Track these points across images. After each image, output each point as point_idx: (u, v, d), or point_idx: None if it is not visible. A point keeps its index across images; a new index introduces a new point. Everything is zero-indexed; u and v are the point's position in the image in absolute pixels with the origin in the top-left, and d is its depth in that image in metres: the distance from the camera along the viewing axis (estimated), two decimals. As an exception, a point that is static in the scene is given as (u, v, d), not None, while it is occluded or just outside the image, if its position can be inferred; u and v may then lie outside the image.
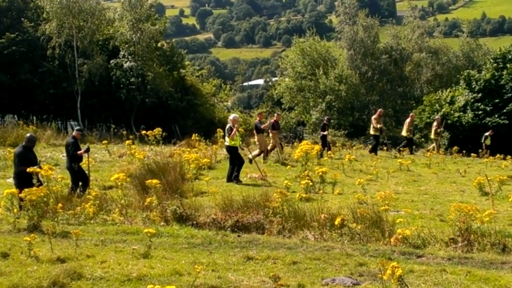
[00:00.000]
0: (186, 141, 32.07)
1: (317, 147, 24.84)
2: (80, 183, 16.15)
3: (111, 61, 44.54)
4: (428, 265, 9.80)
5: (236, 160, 20.29)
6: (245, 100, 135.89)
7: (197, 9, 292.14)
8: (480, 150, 32.06)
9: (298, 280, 8.90)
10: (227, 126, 20.65)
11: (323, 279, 9.00)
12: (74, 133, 17.69)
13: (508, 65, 41.13)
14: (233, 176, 19.95)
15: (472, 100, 41.23)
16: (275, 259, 10.08)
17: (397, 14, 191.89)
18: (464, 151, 32.45)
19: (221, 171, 22.05)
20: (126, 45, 44.83)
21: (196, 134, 31.31)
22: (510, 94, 39.77)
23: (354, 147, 36.04)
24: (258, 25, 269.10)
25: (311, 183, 17.66)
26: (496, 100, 40.08)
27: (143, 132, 30.27)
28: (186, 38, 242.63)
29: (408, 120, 32.74)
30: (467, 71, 45.29)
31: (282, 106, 58.99)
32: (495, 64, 42.44)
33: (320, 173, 18.29)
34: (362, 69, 57.05)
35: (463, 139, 36.83)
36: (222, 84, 60.82)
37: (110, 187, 18.02)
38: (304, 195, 16.32)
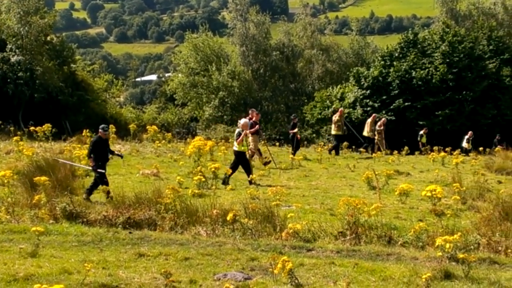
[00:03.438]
0: (77, 137, 31.32)
1: (210, 143, 24.87)
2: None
3: (-3, 55, 43.03)
4: (318, 258, 9.99)
5: (243, 165, 19.83)
6: (138, 96, 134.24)
7: (88, 2, 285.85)
8: (423, 148, 32.56)
9: (190, 276, 8.89)
10: (236, 131, 20.16)
11: (215, 275, 9.02)
12: None
13: (395, 63, 42.48)
14: (249, 180, 18.97)
15: (361, 96, 42.36)
16: (167, 255, 10.02)
17: (289, 11, 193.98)
18: (353, 146, 33.24)
19: (113, 167, 21.67)
20: (14, 39, 43.33)
21: (88, 130, 30.68)
22: (397, 91, 41.12)
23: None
24: (151, 20, 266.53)
25: (203, 179, 17.67)
26: (384, 97, 41.35)
27: (32, 128, 29.39)
28: (77, 32, 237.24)
29: (369, 120, 32.38)
30: (356, 68, 46.51)
31: (175, 102, 58.68)
32: (382, 62, 43.75)
33: (213, 169, 18.33)
34: (254, 66, 57.47)
35: (353, 135, 37.71)
36: (114, 80, 59.82)
37: (-4, 185, 17.43)
38: (196, 191, 16.29)
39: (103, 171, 15.74)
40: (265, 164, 23.71)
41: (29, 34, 43.06)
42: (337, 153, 29.66)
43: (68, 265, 9.23)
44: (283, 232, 11.38)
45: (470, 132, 35.63)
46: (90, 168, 16.47)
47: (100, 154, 15.97)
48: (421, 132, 35.44)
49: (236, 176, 20.48)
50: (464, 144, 34.56)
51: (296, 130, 28.65)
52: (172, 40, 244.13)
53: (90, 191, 15.42)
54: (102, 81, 52.58)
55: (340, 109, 31.76)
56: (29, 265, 9.18)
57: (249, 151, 21.35)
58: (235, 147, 19.99)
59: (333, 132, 30.67)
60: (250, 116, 24.44)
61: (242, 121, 20.69)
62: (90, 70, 53.55)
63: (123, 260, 9.72)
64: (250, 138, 21.57)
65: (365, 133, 32.22)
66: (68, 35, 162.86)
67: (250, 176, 18.94)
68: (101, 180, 15.74)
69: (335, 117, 30.18)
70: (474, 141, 34.93)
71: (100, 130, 16.50)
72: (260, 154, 24.56)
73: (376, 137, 32.10)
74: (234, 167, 19.78)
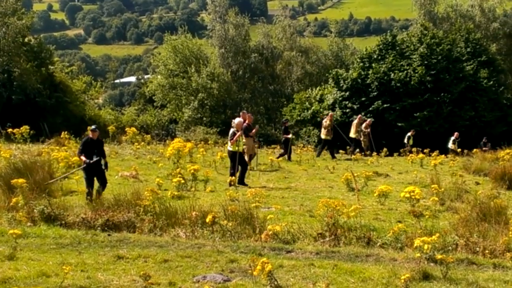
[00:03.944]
0: (55, 139, 31.17)
1: (189, 144, 24.87)
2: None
3: (-26, 57, 42.68)
4: (297, 260, 9.99)
5: (242, 164, 19.89)
6: (117, 98, 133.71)
7: (66, 4, 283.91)
8: (407, 149, 32.48)
9: (169, 278, 8.86)
10: (231, 131, 20.10)
11: (194, 277, 9.01)
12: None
13: (373, 65, 42.67)
14: (239, 180, 19.38)
15: (340, 98, 42.51)
16: (146, 257, 9.99)
17: (268, 13, 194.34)
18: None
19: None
20: (-9, 40, 43.08)
21: (66, 132, 30.58)
22: (375, 93, 41.31)
23: (226, 145, 36.22)
24: (130, 22, 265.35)
25: (183, 181, 17.65)
26: (363, 99, 41.52)
27: (10, 130, 29.21)
28: (55, 34, 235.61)
29: (355, 121, 32.26)
30: (336, 70, 46.63)
31: (154, 104, 58.53)
32: (361, 64, 43.95)
33: (192, 171, 18.30)
34: (233, 67, 57.49)
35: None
36: (93, 81, 59.51)
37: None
38: (176, 193, 16.28)
39: (93, 159, 15.69)
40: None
41: (7, 36, 42.72)
42: (318, 155, 29.77)
43: (46, 268, 9.17)
44: (262, 234, 11.38)
45: (456, 133, 35.83)
46: (81, 168, 16.36)
47: (89, 154, 15.87)
48: (409, 134, 35.51)
49: (216, 178, 20.49)
50: (450, 145, 34.72)
51: (290, 135, 28.68)
52: (151, 41, 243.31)
53: (99, 192, 15.34)
54: (81, 82, 52.24)
55: (330, 114, 31.71)
56: (6, 268, 9.10)
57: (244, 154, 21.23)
58: (229, 147, 20.00)
59: (322, 136, 30.59)
60: (241, 117, 24.30)
61: (236, 120, 20.72)
62: (69, 72, 53.17)
63: (102, 263, 9.67)
64: (243, 140, 21.17)
65: (351, 135, 32.15)
66: (46, 36, 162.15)
67: (232, 178, 18.99)
68: (88, 182, 15.73)
69: (326, 122, 30.14)
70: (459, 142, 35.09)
71: (90, 131, 16.46)
72: (250, 159, 24.28)
73: (361, 138, 32.09)
74: (241, 165, 19.85)
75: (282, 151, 29.17)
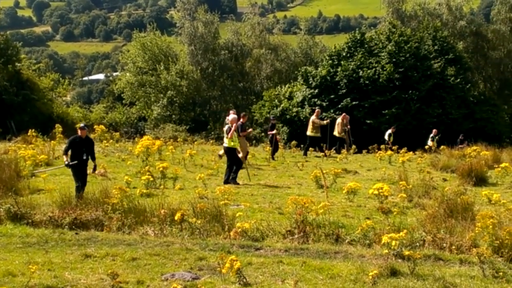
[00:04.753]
0: (22, 137, 30.85)
1: (159, 142, 24.76)
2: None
3: None
4: (266, 257, 10.01)
5: (233, 162, 19.73)
6: (85, 95, 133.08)
7: (33, 1, 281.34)
8: (388, 146, 32.29)
9: (137, 277, 8.83)
10: (226, 127, 20.00)
11: (163, 275, 8.98)
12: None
13: (342, 62, 42.81)
14: (230, 178, 19.34)
15: (309, 95, 42.59)
16: (114, 256, 9.94)
17: (237, 10, 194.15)
18: (302, 145, 33.34)
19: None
20: (-44, 37, 42.52)
21: (33, 130, 30.28)
22: (344, 90, 41.43)
23: (195, 142, 36.20)
24: (98, 19, 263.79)
25: (152, 179, 17.58)
26: (332, 96, 41.62)
27: (-25, 128, 28.89)
28: (22, 31, 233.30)
29: (339, 120, 31.76)
30: (305, 67, 46.72)
31: (123, 101, 58.22)
32: (330, 61, 44.04)
33: (161, 169, 18.24)
34: (203, 65, 57.32)
35: (301, 134, 37.86)
36: (61, 79, 58.95)
37: None
38: (144, 191, 16.21)
39: (75, 162, 15.57)
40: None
41: (-28, 32, 42.20)
42: (305, 154, 29.62)
43: (12, 267, 9.09)
44: (231, 231, 11.38)
45: (434, 130, 36.00)
46: (64, 165, 16.19)
47: (75, 153, 15.72)
48: (389, 131, 35.49)
49: (185, 176, 20.43)
50: (429, 142, 34.85)
51: (274, 131, 28.50)
52: (120, 39, 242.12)
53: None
54: (48, 80, 51.72)
55: (317, 110, 31.53)
56: (-28, 268, 9.00)
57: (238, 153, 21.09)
58: (225, 143, 19.97)
59: (308, 133, 30.27)
60: (242, 120, 24.19)
61: (231, 117, 20.81)
62: (36, 69, 52.62)
63: (69, 262, 9.60)
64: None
65: (335, 133, 31.72)
66: (13, 33, 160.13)
67: (237, 174, 19.44)
68: (75, 178, 15.61)
69: (314, 118, 30.06)
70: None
71: (78, 129, 16.32)
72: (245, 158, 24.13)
73: (340, 135, 31.79)
74: (232, 164, 19.75)
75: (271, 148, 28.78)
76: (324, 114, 38.31)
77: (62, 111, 48.42)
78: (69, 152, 15.83)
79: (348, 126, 32.24)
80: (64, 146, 16.59)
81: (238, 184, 19.24)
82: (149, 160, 21.34)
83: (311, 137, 30.04)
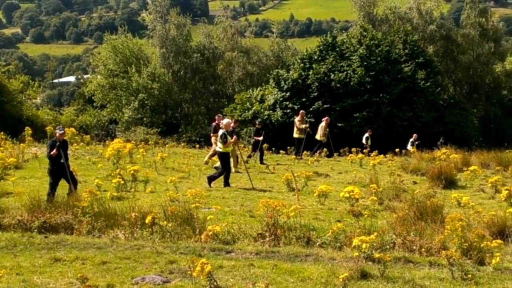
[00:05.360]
0: (-10, 140, 30.52)
1: (130, 145, 24.67)
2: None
3: None
4: (237, 260, 9.99)
5: (224, 167, 19.65)
6: (56, 98, 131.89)
7: (3, 2, 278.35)
8: (364, 150, 32.09)
9: (107, 280, 8.77)
10: (220, 132, 19.77)
11: (133, 278, 8.93)
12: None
13: (314, 66, 42.99)
14: (224, 185, 19.35)
15: (281, 98, 42.71)
16: (84, 259, 9.86)
17: (209, 13, 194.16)
18: (273, 148, 33.39)
19: (29, 170, 21.26)
20: None
21: (2, 133, 29.97)
22: (316, 94, 41.61)
23: (167, 145, 36.07)
24: (69, 21, 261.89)
25: (122, 182, 17.50)
26: (303, 99, 41.79)
27: None
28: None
29: (323, 123, 31.20)
30: (276, 70, 46.87)
31: (94, 104, 57.83)
32: (302, 64, 44.24)
33: (132, 172, 18.16)
34: (174, 68, 57.18)
35: (273, 137, 37.93)
36: (31, 81, 58.42)
37: None
38: (115, 194, 16.14)
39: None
40: (238, 172, 23.46)
41: None
42: (296, 154, 29.48)
43: (-20, 271, 8.97)
44: (202, 235, 11.34)
45: (415, 135, 36.15)
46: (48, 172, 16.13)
47: (57, 156, 15.63)
48: (366, 134, 35.64)
49: (156, 179, 20.36)
50: (409, 146, 34.96)
51: (261, 138, 27.96)
52: (90, 41, 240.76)
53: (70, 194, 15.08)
54: (18, 82, 51.19)
55: (301, 112, 31.49)
56: None
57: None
58: (219, 148, 19.86)
59: (294, 135, 30.25)
60: (217, 121, 24.26)
61: (225, 121, 20.65)
62: (5, 71, 52.03)
63: (38, 265, 9.51)
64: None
65: (318, 137, 31.26)
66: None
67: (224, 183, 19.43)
68: (52, 185, 15.62)
69: (297, 121, 30.07)
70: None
71: (56, 131, 16.22)
72: (237, 161, 24.01)
73: (320, 138, 31.52)
74: (225, 169, 19.72)
75: (258, 153, 28.55)
76: (295, 117, 38.39)
77: (32, 113, 47.92)
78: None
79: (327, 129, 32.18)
80: (47, 151, 16.40)
81: (229, 185, 19.45)
82: (120, 163, 21.25)
83: (297, 139, 30.10)
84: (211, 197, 16.77)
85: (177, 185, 18.23)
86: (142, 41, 64.58)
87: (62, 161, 15.67)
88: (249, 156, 27.95)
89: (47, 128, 32.09)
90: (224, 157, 19.83)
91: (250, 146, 30.19)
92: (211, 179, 19.48)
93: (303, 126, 29.95)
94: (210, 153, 25.37)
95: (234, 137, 20.52)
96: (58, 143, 15.81)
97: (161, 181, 20.05)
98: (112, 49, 57.67)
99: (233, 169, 22.13)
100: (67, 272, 9.18)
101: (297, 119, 30.47)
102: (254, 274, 9.22)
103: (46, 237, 11.34)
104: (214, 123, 24.82)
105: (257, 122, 29.67)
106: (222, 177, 19.64)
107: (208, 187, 18.96)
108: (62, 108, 64.17)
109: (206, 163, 24.57)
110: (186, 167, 23.06)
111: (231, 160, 21.28)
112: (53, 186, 15.64)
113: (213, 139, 24.77)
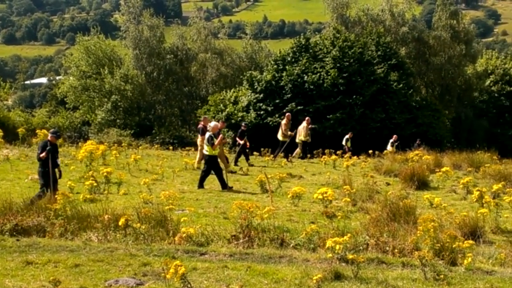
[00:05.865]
0: (-39, 142, 30.13)
1: (103, 147, 24.52)
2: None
3: None
4: (211, 262, 9.99)
5: (211, 168, 19.54)
6: (27, 99, 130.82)
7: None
8: (342, 152, 31.91)
9: (80, 283, 8.72)
10: (207, 135, 19.59)
11: (106, 281, 8.89)
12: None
13: (287, 67, 43.06)
14: (222, 188, 19.23)
15: (254, 100, 42.72)
16: (56, 262, 9.78)
17: (182, 14, 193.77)
18: (247, 150, 33.33)
19: (1, 172, 21.02)
20: None
21: (-28, 135, 29.62)
22: (289, 95, 41.69)
23: (140, 147, 35.90)
24: (41, 22, 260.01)
25: (95, 184, 17.39)
26: (277, 101, 41.85)
27: None
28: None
29: (305, 124, 30.88)
30: (250, 72, 46.89)
31: (67, 106, 57.44)
32: (275, 66, 44.29)
33: (105, 174, 18.06)
34: (147, 69, 56.90)
35: (247, 138, 37.85)
36: (2, 82, 57.91)
37: None
38: (88, 196, 16.02)
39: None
40: (232, 172, 23.36)
41: None
42: (286, 156, 29.52)
43: (-50, 275, 8.88)
44: (176, 237, 11.31)
45: (395, 136, 36.31)
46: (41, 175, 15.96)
47: (51, 159, 15.50)
48: (347, 136, 35.74)
49: (129, 181, 20.26)
50: (389, 147, 35.07)
51: (242, 142, 27.75)
52: (63, 42, 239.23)
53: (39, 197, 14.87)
54: (-12, 84, 50.71)
55: (287, 114, 31.41)
56: None
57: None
58: (206, 151, 19.75)
59: (280, 137, 30.10)
60: (203, 123, 24.15)
61: (213, 124, 20.57)
62: (-24, 73, 51.60)
63: (10, 269, 9.43)
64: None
65: (302, 138, 30.87)
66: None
67: (204, 180, 19.43)
68: (43, 187, 15.43)
69: (284, 124, 29.98)
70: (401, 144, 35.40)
71: (50, 135, 16.01)
72: (227, 161, 24.03)
73: (302, 139, 31.36)
74: (215, 170, 19.62)
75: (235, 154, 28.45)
76: (269, 118, 38.50)
77: (3, 115, 47.36)
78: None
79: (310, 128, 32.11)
80: (37, 152, 16.22)
81: (203, 187, 19.43)
82: (92, 165, 21.11)
83: (282, 141, 30.02)
84: (185, 199, 16.74)
85: (151, 187, 18.16)
86: (115, 42, 64.23)
87: (50, 165, 15.56)
88: (248, 161, 27.86)
89: (19, 130, 31.83)
90: (212, 161, 19.73)
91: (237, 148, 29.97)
92: (223, 185, 19.45)
93: (289, 133, 29.93)
94: (198, 157, 25.17)
95: (220, 136, 20.54)
96: (49, 147, 15.68)
97: (134, 183, 19.96)
98: (85, 50, 57.30)
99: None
100: (40, 275, 9.11)
101: (283, 122, 30.41)
102: (228, 276, 9.23)
103: (18, 240, 11.23)
104: (200, 125, 24.71)
105: (243, 124, 29.63)
106: (211, 178, 19.64)
107: (199, 189, 19.15)
108: (34, 110, 63.72)
109: (198, 168, 24.33)
110: (159, 169, 22.97)
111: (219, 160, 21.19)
112: (44, 188, 15.45)
113: (199, 141, 24.73)
